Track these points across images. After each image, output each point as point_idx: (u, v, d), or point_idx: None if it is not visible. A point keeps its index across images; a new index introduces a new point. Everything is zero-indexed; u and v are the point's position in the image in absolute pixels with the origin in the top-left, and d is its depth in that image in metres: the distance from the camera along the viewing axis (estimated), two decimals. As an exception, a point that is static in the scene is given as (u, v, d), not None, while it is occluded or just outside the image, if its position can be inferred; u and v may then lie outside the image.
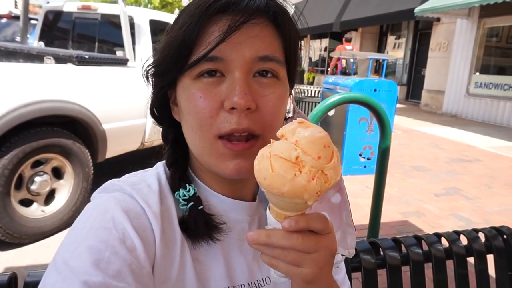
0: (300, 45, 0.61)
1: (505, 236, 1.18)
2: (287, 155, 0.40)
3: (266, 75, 0.55)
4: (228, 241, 0.59)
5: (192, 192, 0.57)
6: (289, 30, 0.57)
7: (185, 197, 0.57)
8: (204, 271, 0.56)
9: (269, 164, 0.41)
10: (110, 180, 0.58)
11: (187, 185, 0.58)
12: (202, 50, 0.52)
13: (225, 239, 0.58)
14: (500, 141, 7.14)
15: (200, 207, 0.56)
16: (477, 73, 10.05)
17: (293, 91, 0.65)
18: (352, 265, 0.98)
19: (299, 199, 0.41)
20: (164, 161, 0.64)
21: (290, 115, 0.66)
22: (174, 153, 0.62)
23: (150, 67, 0.60)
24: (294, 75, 0.62)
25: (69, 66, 3.10)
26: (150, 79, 0.61)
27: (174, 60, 0.54)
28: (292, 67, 0.60)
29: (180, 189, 0.57)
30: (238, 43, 0.52)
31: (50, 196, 2.95)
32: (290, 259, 0.45)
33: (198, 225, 0.55)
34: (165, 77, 0.57)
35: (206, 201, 0.59)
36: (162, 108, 0.63)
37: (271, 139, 0.46)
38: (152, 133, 3.84)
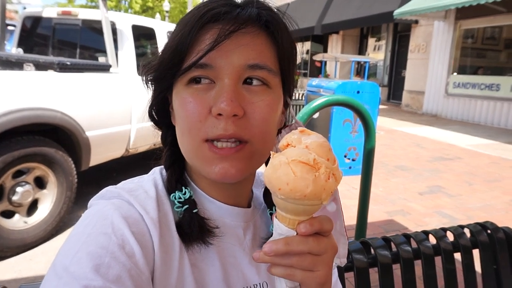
0: (295, 52, 0.61)
1: (489, 231, 1.22)
2: (306, 159, 0.43)
3: (256, 83, 0.55)
4: (224, 247, 0.59)
5: (188, 195, 0.58)
6: (282, 39, 0.58)
7: (180, 200, 0.57)
8: (202, 276, 0.56)
9: (290, 169, 0.42)
10: (107, 187, 0.58)
11: (183, 187, 0.59)
12: (193, 57, 0.53)
13: (221, 244, 0.59)
14: (479, 139, 7.36)
15: (194, 210, 0.57)
16: (455, 74, 10.35)
17: (289, 100, 0.66)
18: (344, 265, 0.99)
19: (317, 199, 0.43)
20: (159, 167, 0.64)
21: (293, 122, 0.67)
22: (172, 155, 0.62)
23: (148, 72, 0.61)
24: (291, 84, 0.63)
25: (50, 73, 3.04)
26: (149, 84, 0.62)
27: (169, 67, 0.55)
28: (287, 75, 0.60)
29: (176, 191, 0.58)
30: (227, 51, 0.53)
31: (32, 207, 2.88)
32: (306, 264, 0.46)
33: (192, 228, 0.55)
34: (161, 82, 0.58)
35: (201, 206, 0.60)
36: (162, 112, 0.63)
37: (271, 152, 0.47)
38: (137, 139, 3.80)
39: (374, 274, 1.03)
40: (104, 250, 0.46)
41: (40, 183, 2.91)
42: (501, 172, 5.17)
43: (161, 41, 4.42)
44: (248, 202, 0.67)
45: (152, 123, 0.66)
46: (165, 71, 0.56)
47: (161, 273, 0.52)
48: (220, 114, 0.52)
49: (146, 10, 32.37)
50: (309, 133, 0.46)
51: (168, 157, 0.62)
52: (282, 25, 0.58)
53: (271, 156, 0.46)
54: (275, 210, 0.49)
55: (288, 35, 0.59)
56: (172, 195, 0.58)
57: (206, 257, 0.57)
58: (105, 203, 0.53)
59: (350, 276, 1.02)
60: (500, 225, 1.27)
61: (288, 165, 0.43)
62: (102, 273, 0.44)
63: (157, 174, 0.62)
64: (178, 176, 0.60)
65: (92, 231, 0.49)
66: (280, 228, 0.47)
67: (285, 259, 0.46)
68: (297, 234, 0.47)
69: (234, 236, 0.61)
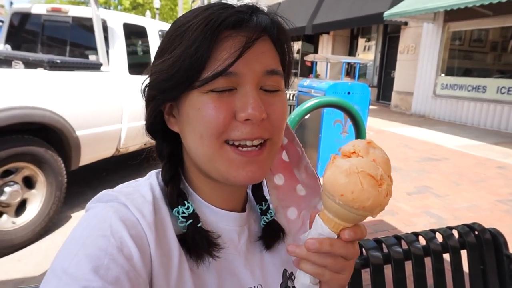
0: (293, 57, 0.65)
1: (476, 232, 1.25)
2: (374, 173, 0.44)
3: (273, 87, 0.58)
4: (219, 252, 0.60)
5: (191, 209, 0.58)
6: (287, 46, 0.61)
7: (184, 214, 0.58)
8: (200, 282, 0.57)
9: (358, 179, 0.44)
10: (104, 191, 0.58)
11: (185, 201, 0.59)
12: (218, 66, 0.53)
13: None
14: (466, 140, 7.49)
15: (198, 225, 0.58)
16: (443, 75, 10.51)
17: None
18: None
19: (371, 212, 0.45)
20: (156, 171, 0.65)
21: None
22: (171, 169, 0.62)
23: (153, 83, 0.59)
24: (288, 84, 0.66)
25: (40, 71, 3.00)
26: (147, 94, 0.61)
27: (186, 76, 0.54)
28: (288, 78, 0.64)
29: (179, 206, 0.58)
30: (249, 59, 0.54)
31: (21, 207, 2.85)
32: (339, 267, 0.49)
33: (199, 243, 0.57)
34: (172, 92, 0.56)
35: (200, 213, 0.60)
36: (158, 122, 0.62)
37: (331, 154, 0.49)
38: (127, 139, 3.78)
39: (366, 274, 1.05)
40: (103, 252, 0.47)
41: (29, 183, 2.88)
42: (487, 172, 5.27)
43: (153, 40, 4.39)
44: (243, 206, 0.68)
45: (146, 131, 0.64)
46: (181, 80, 0.54)
47: (160, 276, 0.52)
48: (247, 120, 0.54)
49: (136, 7, 32.05)
50: (374, 146, 0.48)
51: (167, 171, 0.62)
52: (287, 33, 0.61)
53: (332, 159, 0.47)
54: (321, 210, 0.51)
55: (290, 41, 0.62)
56: (174, 210, 0.58)
57: (202, 263, 0.58)
58: (103, 206, 0.54)
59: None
60: (486, 224, 1.30)
61: (357, 175, 0.44)
62: (101, 274, 0.45)
63: (153, 178, 0.62)
64: (178, 190, 0.60)
65: (91, 234, 0.49)
66: (323, 229, 0.49)
67: (321, 259, 0.49)
68: (338, 237, 0.48)
69: (229, 241, 0.62)
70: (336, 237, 0.48)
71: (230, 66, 0.52)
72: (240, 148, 0.55)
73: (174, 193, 0.59)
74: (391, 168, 0.47)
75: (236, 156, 0.55)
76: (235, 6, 0.57)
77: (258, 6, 0.59)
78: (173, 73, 0.55)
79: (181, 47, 0.54)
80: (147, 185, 0.60)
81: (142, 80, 0.61)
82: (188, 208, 0.58)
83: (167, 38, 0.58)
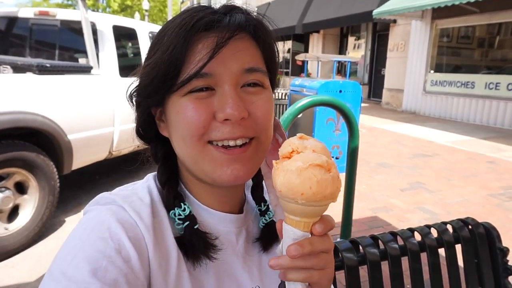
0: (278, 53, 0.64)
1: (470, 227, 1.27)
2: (321, 162, 0.45)
3: (253, 85, 0.57)
4: (217, 254, 0.60)
5: (187, 211, 0.58)
6: (268, 42, 0.60)
7: (180, 216, 0.58)
8: (197, 283, 0.57)
9: (311, 173, 0.44)
10: (102, 194, 0.58)
11: (181, 204, 0.59)
12: (192, 68, 0.53)
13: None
14: (456, 136, 7.59)
15: (195, 226, 0.58)
16: (432, 72, 10.62)
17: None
18: (335, 264, 1.02)
19: (331, 199, 0.46)
20: (153, 174, 0.64)
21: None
22: (166, 171, 0.62)
23: (136, 89, 0.60)
24: (275, 82, 0.66)
25: (29, 75, 2.96)
26: (134, 100, 0.61)
27: (163, 80, 0.54)
28: (273, 74, 0.63)
29: (176, 208, 0.58)
30: (225, 58, 0.54)
31: (13, 213, 2.81)
32: (323, 263, 0.49)
33: (196, 245, 0.56)
34: (154, 97, 0.57)
35: (197, 215, 0.60)
36: (147, 126, 0.63)
37: (273, 161, 0.48)
38: (120, 141, 3.75)
39: (363, 271, 1.06)
40: (101, 254, 0.47)
41: (20, 188, 2.84)
42: (477, 167, 5.35)
43: (143, 42, 4.36)
44: (240, 207, 0.68)
45: (136, 135, 0.64)
46: (159, 85, 0.55)
47: (158, 278, 0.52)
48: (226, 119, 0.53)
49: (124, 9, 31.79)
50: (307, 138, 0.48)
51: (163, 173, 0.62)
52: (267, 29, 0.60)
53: (275, 165, 0.47)
54: (283, 216, 0.50)
55: (271, 37, 0.61)
56: (171, 212, 0.58)
57: (199, 265, 0.58)
58: (101, 209, 0.54)
59: (340, 273, 1.05)
60: (478, 219, 1.32)
61: (307, 170, 0.44)
62: (100, 276, 0.45)
63: (151, 181, 0.62)
64: (175, 192, 0.60)
65: (89, 236, 0.49)
66: (295, 233, 0.48)
67: (306, 261, 0.48)
68: (311, 235, 0.48)
69: (227, 242, 0.62)
70: (309, 235, 0.48)
71: (203, 67, 0.52)
72: (223, 147, 0.55)
73: (170, 195, 0.59)
74: (328, 152, 0.48)
75: (220, 154, 0.55)
76: (211, 7, 0.57)
77: (236, 5, 0.59)
78: (152, 78, 0.55)
79: (159, 53, 0.55)
80: (145, 188, 0.60)
81: (133, 82, 0.61)
82: (184, 210, 0.58)
83: (151, 44, 0.59)
